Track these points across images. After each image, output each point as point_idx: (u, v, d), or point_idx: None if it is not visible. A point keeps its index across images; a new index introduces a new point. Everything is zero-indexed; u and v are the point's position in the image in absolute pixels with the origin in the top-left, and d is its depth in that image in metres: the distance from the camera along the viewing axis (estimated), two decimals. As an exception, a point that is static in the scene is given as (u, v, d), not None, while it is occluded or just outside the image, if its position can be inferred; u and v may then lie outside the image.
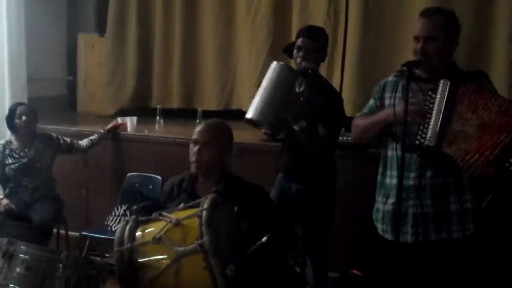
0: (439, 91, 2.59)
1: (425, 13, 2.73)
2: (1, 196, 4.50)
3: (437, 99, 2.59)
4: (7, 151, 4.56)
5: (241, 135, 4.43)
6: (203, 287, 2.45)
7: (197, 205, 2.59)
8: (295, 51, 3.42)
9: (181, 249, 2.45)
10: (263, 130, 3.30)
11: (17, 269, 2.88)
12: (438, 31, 2.65)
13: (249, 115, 3.19)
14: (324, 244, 3.55)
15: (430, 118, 2.59)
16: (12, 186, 4.56)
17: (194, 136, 3.03)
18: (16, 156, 4.55)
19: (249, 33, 5.57)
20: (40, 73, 6.21)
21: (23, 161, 4.54)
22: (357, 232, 3.89)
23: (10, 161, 4.54)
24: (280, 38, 5.33)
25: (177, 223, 2.53)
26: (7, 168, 4.53)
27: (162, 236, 2.51)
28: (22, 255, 2.89)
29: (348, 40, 4.98)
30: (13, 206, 4.43)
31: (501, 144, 2.49)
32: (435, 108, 2.59)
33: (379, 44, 4.85)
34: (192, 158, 3.00)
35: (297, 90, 3.32)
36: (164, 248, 2.50)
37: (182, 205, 2.71)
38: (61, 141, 4.72)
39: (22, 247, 2.93)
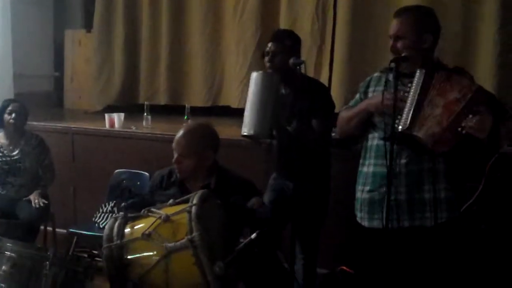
0: (415, 81, 2.71)
1: (396, 13, 2.86)
2: None
3: (413, 88, 2.71)
4: (-8, 147, 4.53)
5: (228, 131, 4.42)
6: (192, 283, 2.45)
7: (186, 201, 2.58)
8: (265, 57, 3.47)
9: (171, 245, 2.45)
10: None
11: (3, 267, 2.86)
12: (405, 29, 2.76)
13: (245, 131, 3.22)
14: (317, 240, 3.58)
15: (405, 107, 2.70)
16: (-3, 182, 4.53)
17: (173, 144, 2.99)
18: (0, 154, 4.51)
19: (237, 29, 5.55)
20: (27, 69, 6.17)
21: (7, 160, 4.49)
22: (346, 228, 3.89)
23: (-6, 157, 4.51)
24: (268, 35, 5.24)
25: (167, 219, 2.52)
26: (-9, 164, 4.49)
27: (151, 232, 2.50)
28: (8, 253, 2.87)
29: (336, 37, 4.98)
30: None
31: (457, 111, 2.63)
32: (410, 97, 2.70)
33: (368, 41, 4.85)
34: (175, 165, 2.99)
35: (283, 92, 3.40)
36: (154, 244, 2.49)
37: (171, 200, 2.70)
38: (46, 159, 4.66)
39: (8, 244, 2.91)
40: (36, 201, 4.39)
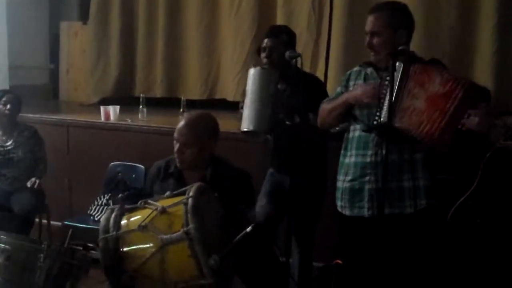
0: (394, 73, 2.75)
1: (371, 9, 2.93)
2: None
3: (391, 81, 2.74)
4: (-16, 138, 4.51)
5: (224, 125, 4.40)
6: (188, 275, 2.45)
7: (183, 193, 2.58)
8: (261, 53, 3.48)
9: (167, 237, 2.45)
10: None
11: (-2, 259, 2.85)
12: (380, 26, 2.84)
13: (245, 127, 3.22)
14: (313, 235, 3.60)
15: (385, 99, 2.75)
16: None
17: (175, 134, 2.99)
18: (-6, 144, 4.51)
19: (234, 22, 5.54)
20: (22, 61, 6.15)
21: (0, 150, 4.48)
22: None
23: (-14, 148, 4.49)
24: (265, 28, 5.22)
25: (163, 211, 2.53)
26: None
27: (147, 224, 2.50)
28: (3, 245, 2.85)
29: (332, 31, 4.97)
30: None
31: (450, 111, 2.66)
32: (389, 89, 2.74)
33: (364, 36, 4.84)
34: (175, 155, 2.98)
35: (279, 87, 3.39)
36: (150, 236, 2.49)
37: (168, 192, 2.69)
38: (39, 150, 4.64)
39: (2, 236, 2.89)
40: (37, 181, 4.38)
